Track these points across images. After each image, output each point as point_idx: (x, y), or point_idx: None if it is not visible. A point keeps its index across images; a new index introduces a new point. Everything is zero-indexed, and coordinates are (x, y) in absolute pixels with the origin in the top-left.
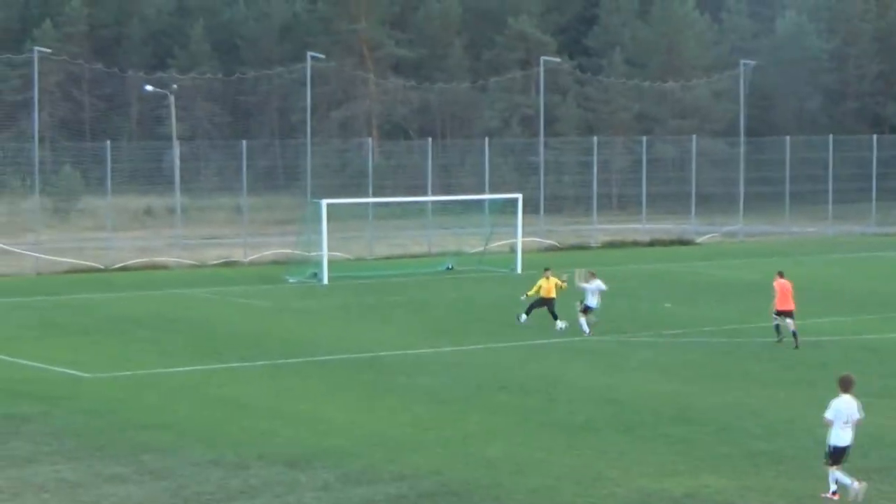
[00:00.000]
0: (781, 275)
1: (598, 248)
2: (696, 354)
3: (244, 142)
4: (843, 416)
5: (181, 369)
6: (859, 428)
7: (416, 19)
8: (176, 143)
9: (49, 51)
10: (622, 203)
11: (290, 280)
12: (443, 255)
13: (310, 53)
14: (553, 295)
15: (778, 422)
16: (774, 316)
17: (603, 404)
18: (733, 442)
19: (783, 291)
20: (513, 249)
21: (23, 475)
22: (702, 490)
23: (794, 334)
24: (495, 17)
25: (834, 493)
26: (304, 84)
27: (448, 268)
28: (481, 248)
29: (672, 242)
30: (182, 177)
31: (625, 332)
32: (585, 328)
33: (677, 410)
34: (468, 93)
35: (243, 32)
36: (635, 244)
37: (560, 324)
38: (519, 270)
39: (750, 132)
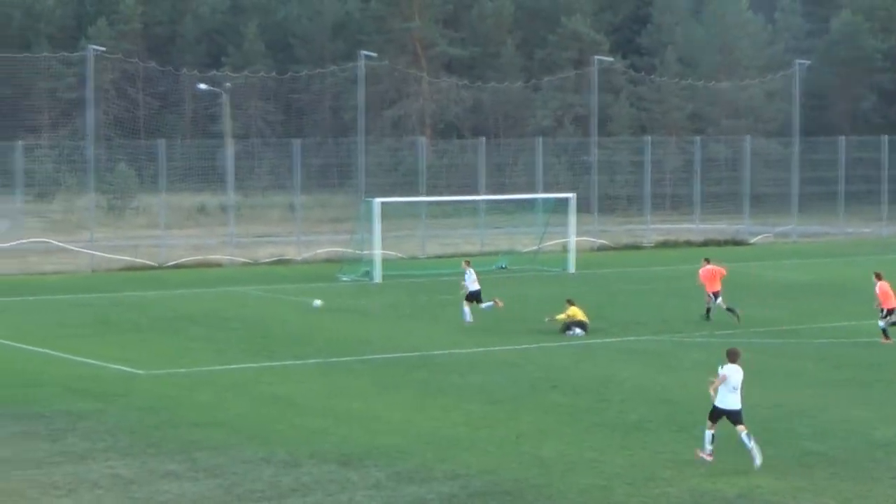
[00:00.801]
0: (708, 261)
1: (651, 247)
2: (748, 355)
3: (297, 140)
4: (731, 383)
5: (234, 367)
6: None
7: (469, 18)
8: (229, 142)
9: (104, 49)
10: (675, 203)
11: (343, 278)
12: (495, 254)
13: (363, 52)
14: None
15: (830, 422)
16: (716, 299)
17: (656, 404)
18: (786, 443)
19: (710, 276)
20: (566, 249)
21: (78, 471)
22: (755, 490)
23: (730, 310)
24: (548, 16)
25: (710, 453)
26: (357, 83)
27: (501, 267)
28: (534, 248)
29: (725, 242)
30: (235, 175)
31: (678, 332)
32: (468, 317)
33: None
34: (521, 92)
35: (296, 31)
36: (688, 244)
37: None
38: (572, 270)
39: (804, 132)
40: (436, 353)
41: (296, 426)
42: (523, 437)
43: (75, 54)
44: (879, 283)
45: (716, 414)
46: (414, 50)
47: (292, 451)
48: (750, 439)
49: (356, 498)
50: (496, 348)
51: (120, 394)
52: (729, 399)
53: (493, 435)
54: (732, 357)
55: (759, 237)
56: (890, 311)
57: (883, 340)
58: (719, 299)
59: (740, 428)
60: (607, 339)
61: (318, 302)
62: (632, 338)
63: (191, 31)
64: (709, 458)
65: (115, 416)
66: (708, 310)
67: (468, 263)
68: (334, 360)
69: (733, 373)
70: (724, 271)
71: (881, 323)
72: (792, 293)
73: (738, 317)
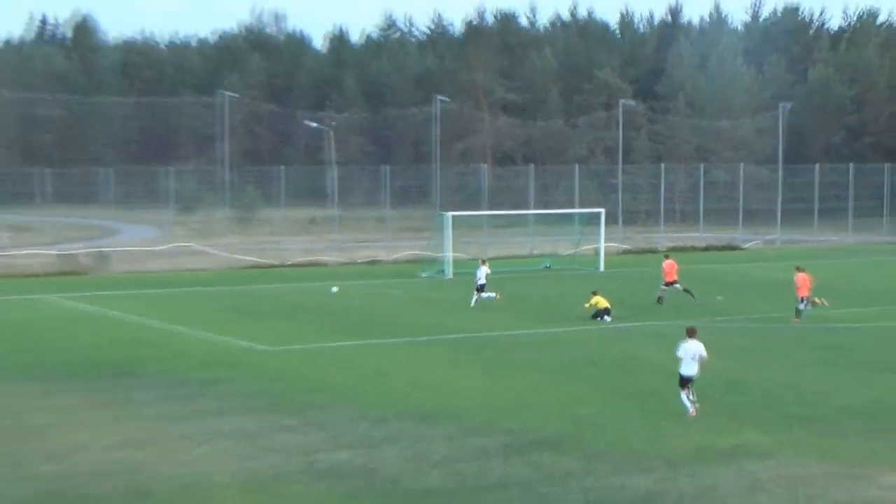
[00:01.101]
0: (667, 256)
1: (664, 252)
2: (742, 337)
3: (386, 166)
4: (690, 354)
5: (337, 344)
6: (705, 365)
7: (522, 71)
8: (333, 168)
9: (235, 95)
10: (683, 216)
11: (423, 275)
12: (541, 256)
13: (438, 97)
14: (607, 305)
15: (808, 392)
16: (663, 287)
17: (668, 377)
18: (772, 407)
19: (670, 269)
20: (597, 252)
21: (213, 425)
22: (745, 444)
23: (687, 290)
24: (584, 70)
25: (692, 407)
26: (433, 121)
27: (546, 267)
28: (572, 252)
29: (723, 248)
30: (338, 194)
31: (686, 318)
32: (494, 296)
33: (727, 382)
34: (562, 129)
35: (386, 81)
36: (694, 249)
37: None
38: (602, 269)
39: (786, 161)
40: (496, 334)
41: (385, 391)
42: (564, 401)
43: (213, 99)
44: (798, 275)
45: (683, 381)
46: (477, 96)
47: (383, 410)
48: (691, 395)
49: (432, 447)
50: (544, 331)
51: (246, 365)
52: (691, 367)
53: (541, 399)
54: (691, 333)
55: (751, 243)
56: (804, 298)
57: (795, 320)
58: (677, 285)
59: (690, 392)
60: (630, 324)
61: (334, 288)
62: (649, 323)
63: (303, 81)
64: (694, 413)
65: (243, 382)
66: (659, 298)
67: (483, 262)
68: (417, 339)
69: (692, 346)
70: (676, 266)
71: (800, 306)
72: (777, 288)
73: (693, 295)
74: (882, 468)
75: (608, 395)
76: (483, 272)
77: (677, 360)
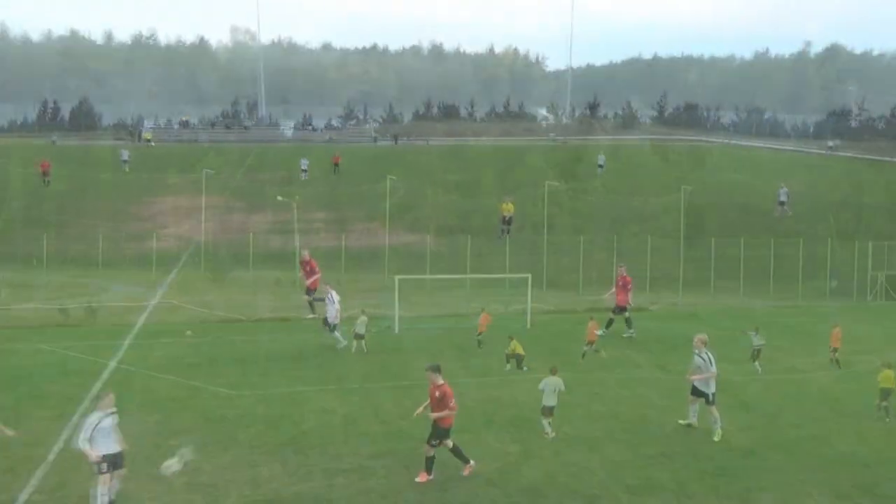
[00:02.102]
0: (483, 310)
1: (582, 311)
2: (641, 388)
3: (343, 235)
4: (551, 387)
5: (298, 389)
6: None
7: (463, 155)
8: (297, 236)
9: (212, 171)
10: (600, 281)
11: (373, 330)
12: (477, 314)
13: (389, 177)
14: (521, 350)
15: (675, 435)
16: (478, 336)
17: (588, 422)
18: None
19: (484, 320)
20: (525, 312)
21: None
22: (656, 482)
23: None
24: (516, 154)
25: (549, 432)
26: (386, 197)
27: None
28: (503, 310)
29: (634, 309)
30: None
31: (595, 371)
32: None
33: (625, 426)
34: (495, 205)
35: (345, 163)
36: (607, 310)
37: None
38: (528, 326)
39: (687, 236)
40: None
41: (330, 430)
42: (489, 442)
43: (194, 176)
44: (590, 323)
45: (545, 409)
46: (424, 175)
47: (332, 446)
48: (549, 426)
49: (375, 482)
50: (472, 381)
51: (218, 407)
52: (551, 399)
53: (461, 438)
54: (553, 372)
55: (656, 305)
56: (591, 342)
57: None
58: (481, 336)
59: (550, 419)
60: (543, 375)
61: (189, 332)
62: (567, 374)
63: (272, 159)
64: (552, 435)
65: (216, 423)
66: (479, 341)
67: (363, 312)
68: (367, 385)
69: (553, 381)
70: (490, 319)
71: (585, 348)
72: (677, 343)
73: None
74: None
75: (533, 436)
76: (362, 321)
77: (542, 392)
